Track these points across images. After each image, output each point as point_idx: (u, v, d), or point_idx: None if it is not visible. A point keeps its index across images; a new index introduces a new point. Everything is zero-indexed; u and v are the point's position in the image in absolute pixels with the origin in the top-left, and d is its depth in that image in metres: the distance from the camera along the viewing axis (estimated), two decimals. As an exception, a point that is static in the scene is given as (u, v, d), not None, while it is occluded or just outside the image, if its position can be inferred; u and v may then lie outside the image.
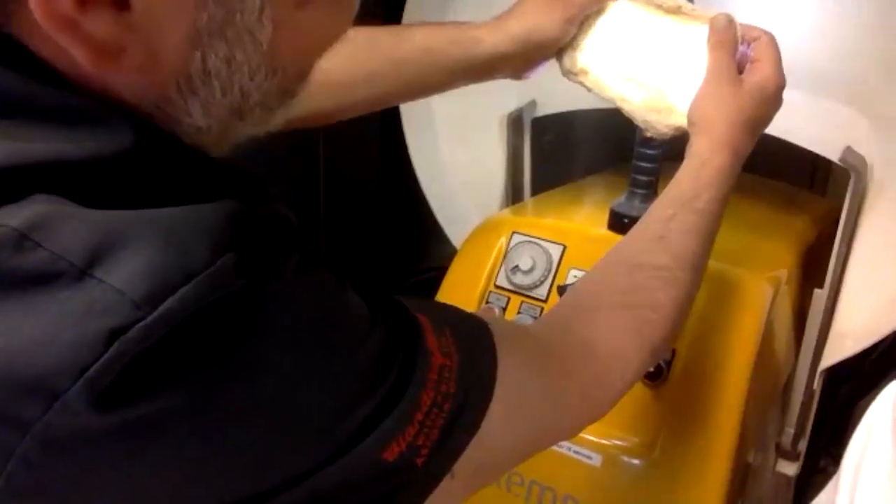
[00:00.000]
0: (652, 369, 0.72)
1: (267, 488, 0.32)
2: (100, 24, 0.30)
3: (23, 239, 0.28)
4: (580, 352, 0.49)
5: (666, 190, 0.57)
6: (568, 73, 0.64)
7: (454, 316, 0.43)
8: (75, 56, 0.30)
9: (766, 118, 0.59)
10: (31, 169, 0.29)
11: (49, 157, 0.30)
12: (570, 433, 0.51)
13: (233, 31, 0.32)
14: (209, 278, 0.29)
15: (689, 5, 0.62)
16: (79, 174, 0.30)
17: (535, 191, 1.03)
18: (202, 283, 0.29)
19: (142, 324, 0.28)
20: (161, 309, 0.28)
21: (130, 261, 0.28)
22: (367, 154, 1.23)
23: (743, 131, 0.57)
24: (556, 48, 0.64)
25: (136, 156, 0.31)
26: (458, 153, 1.02)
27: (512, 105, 0.97)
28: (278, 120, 0.38)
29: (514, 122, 0.97)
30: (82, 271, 0.28)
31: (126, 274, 0.28)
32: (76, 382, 0.27)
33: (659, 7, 0.62)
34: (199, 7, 0.31)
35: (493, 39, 0.63)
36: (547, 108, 0.97)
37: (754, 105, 0.57)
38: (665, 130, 0.61)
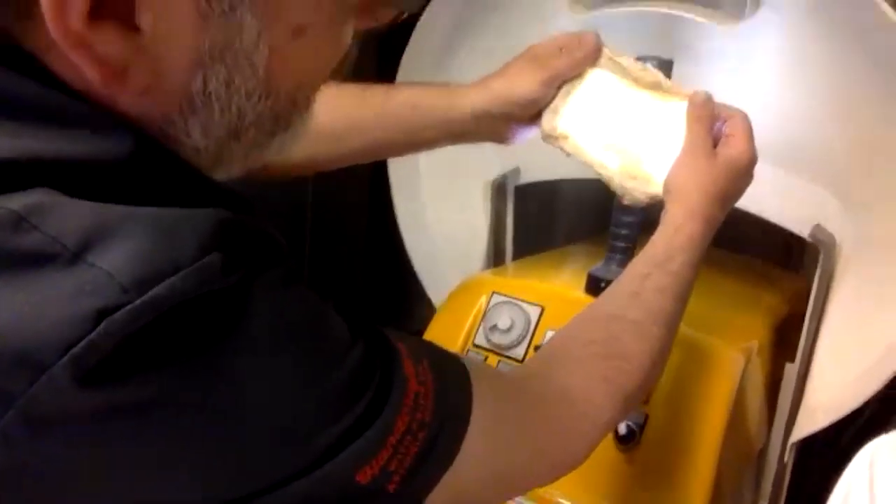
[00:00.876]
0: (625, 432, 0.72)
1: (239, 494, 0.33)
2: (109, 43, 0.32)
3: (21, 221, 0.29)
4: (555, 397, 0.50)
5: (641, 253, 0.59)
6: (548, 137, 0.67)
7: (432, 349, 0.44)
8: (86, 73, 0.32)
9: (738, 191, 0.62)
10: (34, 164, 0.31)
11: (51, 154, 0.31)
12: (546, 478, 0.51)
13: (232, 56, 0.34)
14: (197, 272, 0.30)
15: (668, 82, 0.65)
16: (79, 174, 0.32)
17: (517, 256, 1.05)
18: (190, 275, 0.30)
19: (129, 307, 0.29)
20: (148, 295, 0.29)
21: (121, 248, 0.30)
22: (355, 213, 1.25)
23: (715, 202, 0.60)
24: (535, 109, 0.66)
25: (135, 163, 0.33)
26: (443, 216, 1.04)
27: (496, 171, 1.00)
28: (273, 151, 0.40)
29: (498, 189, 1.00)
30: (75, 255, 0.29)
31: (116, 260, 0.29)
32: (62, 358, 0.28)
33: (637, 81, 0.66)
34: (202, 32, 0.33)
35: (476, 96, 0.66)
36: (530, 175, 1.00)
37: (727, 178, 0.60)
38: (641, 198, 0.64)
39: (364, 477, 0.36)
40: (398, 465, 0.37)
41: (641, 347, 0.54)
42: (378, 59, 1.09)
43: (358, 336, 0.38)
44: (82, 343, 0.28)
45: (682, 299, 0.58)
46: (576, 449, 0.51)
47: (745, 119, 0.62)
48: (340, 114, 0.65)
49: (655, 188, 0.63)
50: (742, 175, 0.61)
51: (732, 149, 0.61)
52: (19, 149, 0.31)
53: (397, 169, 1.01)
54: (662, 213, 0.61)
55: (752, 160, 0.61)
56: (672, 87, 0.65)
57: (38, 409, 0.29)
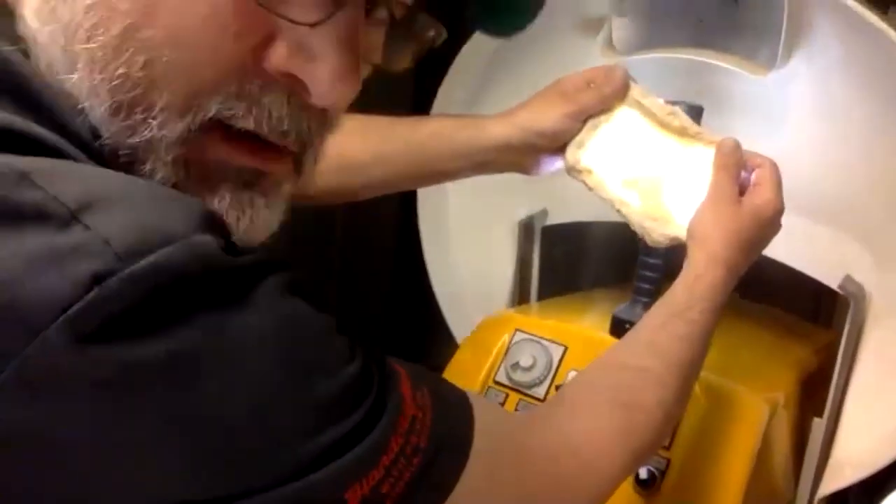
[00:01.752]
0: (645, 476, 0.71)
1: (219, 493, 0.32)
2: None
3: (23, 177, 0.30)
4: (560, 443, 0.49)
5: (661, 299, 0.59)
6: (571, 170, 0.67)
7: (435, 379, 0.43)
8: None
9: (763, 240, 0.62)
10: (47, 145, 0.32)
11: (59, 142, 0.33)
12: None
13: None
14: (190, 246, 0.31)
15: (695, 127, 0.66)
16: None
17: (542, 298, 1.05)
18: (183, 248, 0.31)
19: (123, 273, 0.29)
20: (141, 263, 0.30)
21: (118, 215, 0.30)
22: (381, 250, 1.26)
23: (739, 250, 0.59)
24: (559, 141, 0.67)
25: None
26: (470, 255, 1.05)
27: (524, 212, 1.00)
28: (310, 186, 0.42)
29: (525, 229, 1.01)
30: (73, 215, 0.30)
31: (112, 225, 0.30)
32: (56, 320, 0.28)
33: (663, 124, 0.66)
34: None
35: (499, 127, 0.67)
36: (558, 217, 1.00)
37: (751, 226, 0.60)
38: (660, 239, 0.63)
39: (354, 496, 0.35)
40: (390, 488, 0.36)
41: (655, 398, 0.53)
42: (414, 96, 1.11)
43: (357, 354, 0.37)
44: (76, 306, 0.29)
45: (700, 348, 0.57)
46: (580, 499, 0.49)
47: (774, 168, 0.62)
48: (368, 145, 0.66)
49: (675, 230, 0.63)
50: (767, 224, 0.61)
51: (758, 198, 0.61)
52: (34, 129, 0.32)
53: (426, 207, 1.02)
54: (686, 259, 0.61)
55: (779, 210, 0.61)
56: (698, 133, 0.65)
57: (32, 371, 0.29)
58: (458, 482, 0.40)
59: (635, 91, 0.67)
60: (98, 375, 0.30)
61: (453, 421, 0.41)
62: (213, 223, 0.34)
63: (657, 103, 0.66)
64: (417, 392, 0.39)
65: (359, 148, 0.66)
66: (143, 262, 0.30)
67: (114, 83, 0.34)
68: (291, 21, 0.35)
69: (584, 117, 0.67)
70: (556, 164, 0.69)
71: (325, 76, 0.36)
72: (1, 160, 0.30)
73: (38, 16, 0.35)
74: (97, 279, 0.29)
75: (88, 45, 0.34)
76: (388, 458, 0.36)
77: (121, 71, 0.34)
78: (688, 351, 0.56)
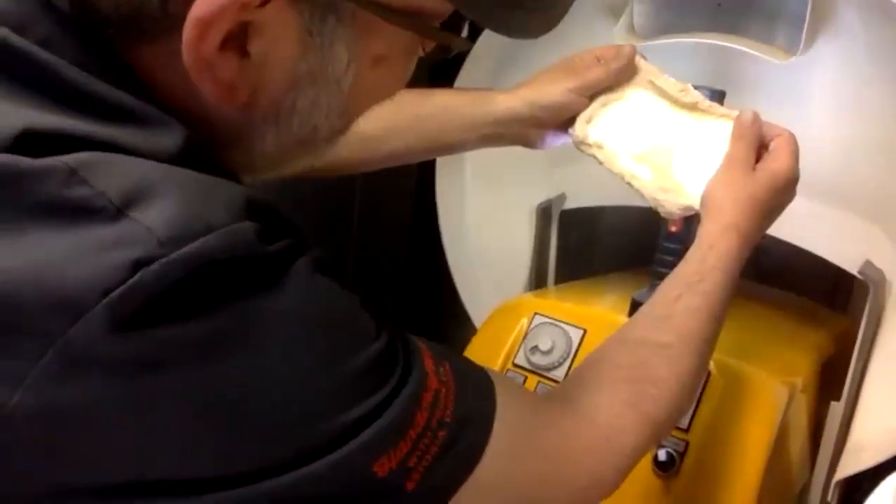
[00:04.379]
0: (664, 458, 0.72)
1: (251, 468, 0.34)
2: (227, 67, 0.36)
3: (73, 174, 0.32)
4: (580, 419, 0.50)
5: (673, 272, 0.58)
6: (580, 144, 0.68)
7: (456, 357, 0.44)
8: (207, 91, 0.36)
9: (778, 206, 0.61)
10: (92, 141, 0.34)
11: (106, 136, 0.34)
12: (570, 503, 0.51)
13: (323, 80, 0.39)
14: (228, 234, 0.33)
15: (706, 102, 0.66)
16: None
17: (559, 282, 1.05)
18: (222, 236, 0.33)
19: (164, 259, 0.31)
20: (182, 250, 0.32)
21: (161, 206, 0.32)
22: (398, 232, 1.27)
23: (752, 216, 0.58)
24: (564, 116, 0.68)
25: (179, 158, 0.35)
26: (488, 239, 1.05)
27: (542, 196, 1.01)
28: (323, 156, 0.44)
29: (543, 213, 1.01)
30: (119, 209, 0.32)
31: (156, 216, 0.32)
32: (99, 302, 0.30)
33: (676, 102, 0.66)
34: (301, 59, 0.38)
35: (506, 100, 0.68)
36: (576, 201, 1.00)
37: (766, 191, 0.59)
38: (673, 209, 0.63)
39: (382, 469, 0.36)
40: (417, 461, 0.38)
41: (670, 372, 0.53)
42: (429, 80, 1.12)
43: (382, 330, 0.39)
44: (119, 290, 0.30)
45: (715, 319, 0.56)
46: (600, 473, 0.50)
47: (792, 138, 0.61)
48: (378, 118, 0.67)
49: (687, 199, 0.63)
50: (782, 190, 0.60)
51: (773, 162, 0.60)
52: (80, 128, 0.34)
53: (444, 191, 1.02)
54: (698, 229, 0.60)
55: (795, 176, 0.60)
56: (710, 107, 0.66)
57: (75, 351, 0.31)
58: (483, 455, 0.41)
59: (647, 71, 0.67)
60: (138, 355, 0.31)
61: (476, 396, 0.42)
62: (254, 208, 0.35)
63: (669, 81, 0.67)
64: (440, 367, 0.41)
65: (369, 122, 0.67)
66: (184, 250, 0.32)
67: None
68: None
69: (590, 93, 0.67)
70: (562, 138, 0.70)
71: None
72: (52, 158, 0.32)
73: None
74: (139, 265, 0.31)
75: None
76: (415, 432, 0.38)
77: None
78: (703, 323, 0.55)
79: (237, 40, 0.36)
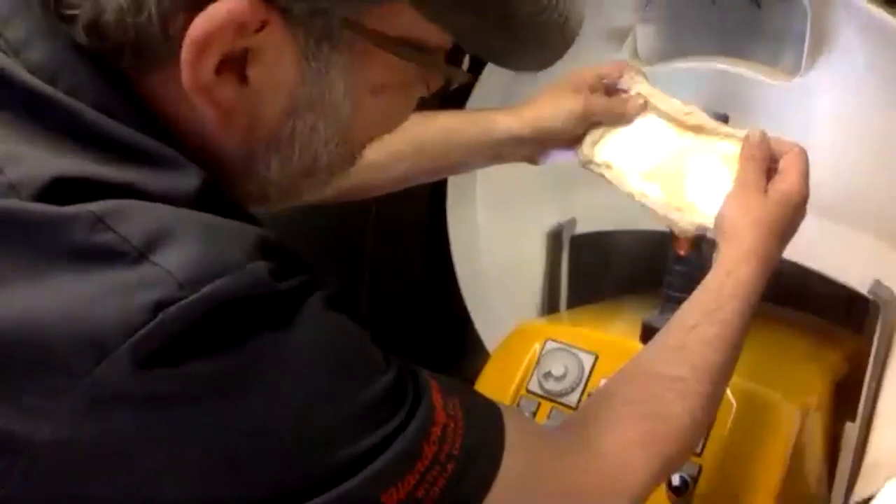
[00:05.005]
0: (678, 483, 0.72)
1: (264, 496, 0.35)
2: (225, 91, 0.37)
3: (98, 221, 0.34)
4: (591, 454, 0.50)
5: (690, 298, 0.58)
6: (587, 164, 0.69)
7: (465, 391, 0.45)
8: (204, 114, 0.37)
9: (793, 227, 0.61)
10: (117, 186, 0.35)
11: (129, 181, 0.36)
12: None
13: (321, 107, 0.40)
14: (243, 275, 0.34)
15: (712, 122, 0.67)
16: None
17: (571, 306, 1.06)
18: (237, 276, 0.34)
19: (184, 301, 0.33)
20: (200, 292, 0.33)
21: (180, 250, 0.34)
22: (412, 258, 1.28)
23: (770, 239, 0.58)
24: (567, 137, 0.69)
25: (198, 200, 0.37)
26: (499, 264, 1.06)
27: (553, 221, 1.02)
28: (333, 186, 0.46)
29: (554, 238, 1.02)
30: (141, 254, 0.34)
31: (175, 260, 0.34)
32: (123, 343, 0.32)
33: (682, 125, 0.67)
34: (299, 85, 0.39)
35: (508, 121, 0.69)
36: (586, 226, 1.01)
37: (780, 212, 0.59)
38: (688, 227, 0.64)
39: (390, 500, 0.37)
40: (425, 494, 0.38)
41: (683, 407, 0.53)
42: (440, 105, 1.13)
43: (392, 363, 0.40)
44: (142, 331, 0.32)
45: (732, 348, 0.56)
46: None
47: (802, 154, 0.62)
48: (381, 143, 0.68)
49: (700, 218, 0.64)
50: (795, 210, 0.60)
51: (784, 183, 0.60)
52: (105, 174, 0.35)
53: (455, 216, 1.04)
54: (715, 254, 0.60)
55: (805, 196, 0.60)
56: (716, 128, 0.66)
57: (101, 389, 0.32)
58: (491, 489, 0.41)
59: (651, 95, 0.68)
60: (160, 391, 0.33)
61: (484, 431, 0.43)
62: (267, 248, 0.37)
63: (674, 104, 0.68)
64: (449, 401, 0.41)
65: (374, 148, 0.68)
66: (202, 291, 0.33)
67: None
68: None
69: (592, 119, 0.68)
70: (565, 155, 0.71)
71: None
72: (78, 206, 0.34)
73: None
74: (160, 306, 0.32)
75: None
76: (423, 464, 0.38)
77: None
78: (718, 355, 0.55)
79: (236, 66, 0.37)
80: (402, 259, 1.26)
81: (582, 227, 1.02)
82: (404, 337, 1.26)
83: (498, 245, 1.05)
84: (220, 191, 0.39)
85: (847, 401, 0.86)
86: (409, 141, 0.70)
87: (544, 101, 0.69)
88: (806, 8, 0.74)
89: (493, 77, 0.92)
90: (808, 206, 0.62)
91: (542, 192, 1.00)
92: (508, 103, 0.93)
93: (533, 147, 0.70)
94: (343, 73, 0.39)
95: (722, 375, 0.56)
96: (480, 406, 0.45)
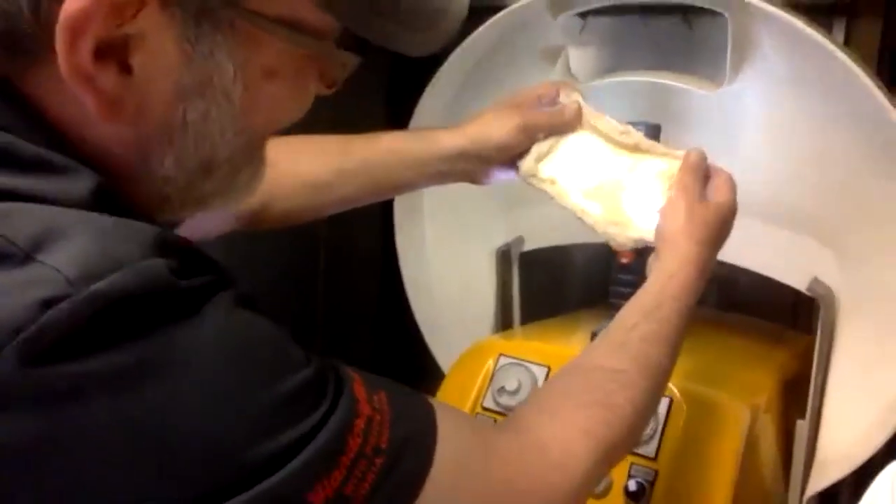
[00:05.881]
0: (635, 489, 0.72)
1: (180, 497, 0.34)
2: (108, 79, 0.37)
3: None
4: (530, 443, 0.49)
5: (631, 301, 0.60)
6: (529, 178, 0.70)
7: (393, 386, 0.44)
8: (87, 104, 0.37)
9: (724, 237, 0.64)
10: (3, 193, 0.35)
11: (15, 187, 0.35)
12: None
13: (210, 90, 0.39)
14: (138, 271, 0.34)
15: (647, 142, 0.69)
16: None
17: (525, 322, 1.06)
18: (132, 272, 0.34)
19: (73, 298, 0.32)
20: (91, 288, 0.32)
21: (68, 248, 0.33)
22: (365, 281, 1.28)
23: (708, 248, 0.61)
24: (508, 154, 0.70)
25: (91, 204, 0.36)
26: (450, 284, 1.07)
27: (500, 239, 1.03)
28: (239, 194, 0.44)
29: (503, 257, 1.03)
30: (27, 255, 0.33)
31: (63, 258, 0.33)
32: (11, 341, 0.31)
33: (618, 143, 0.70)
34: (184, 69, 0.38)
35: (451, 139, 0.70)
36: (534, 242, 1.03)
37: (717, 223, 0.62)
38: (625, 241, 0.66)
39: (317, 498, 0.36)
40: (354, 489, 0.37)
41: (625, 397, 0.53)
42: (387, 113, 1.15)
43: (311, 360, 0.39)
44: (30, 328, 0.31)
45: (671, 346, 0.58)
46: (553, 500, 0.49)
47: (730, 178, 0.65)
48: (329, 165, 0.70)
49: (637, 232, 0.66)
50: (729, 222, 0.64)
51: (721, 196, 0.64)
52: None
53: (403, 238, 1.04)
54: (653, 257, 0.63)
55: (735, 210, 0.64)
56: (651, 146, 0.69)
57: None
58: (425, 483, 0.41)
59: (589, 115, 0.71)
60: (49, 391, 0.32)
61: (414, 422, 0.42)
62: (168, 246, 0.36)
63: (610, 124, 0.70)
64: (373, 395, 0.41)
65: (320, 169, 0.69)
66: (94, 287, 0.33)
67: None
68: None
69: (534, 134, 0.70)
70: (508, 174, 0.72)
71: None
72: None
73: None
74: (48, 304, 0.32)
75: None
76: (348, 458, 0.37)
77: None
78: (658, 351, 0.56)
79: (118, 54, 0.36)
80: (355, 284, 1.26)
81: (530, 244, 1.03)
82: (360, 359, 1.26)
83: (449, 267, 1.06)
84: (119, 195, 0.38)
85: (799, 399, 0.87)
86: (354, 161, 0.71)
87: (486, 118, 0.71)
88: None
89: (434, 98, 0.94)
90: (744, 210, 0.65)
91: (489, 212, 1.01)
92: (451, 123, 0.95)
93: (476, 164, 0.71)
94: (230, 56, 0.39)
95: (662, 371, 0.57)
96: (409, 400, 0.44)
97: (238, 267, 0.41)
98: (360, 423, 0.39)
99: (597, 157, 0.70)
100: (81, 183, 0.37)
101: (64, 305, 0.32)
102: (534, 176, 0.70)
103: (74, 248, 0.34)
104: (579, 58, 0.91)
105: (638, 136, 0.70)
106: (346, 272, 1.23)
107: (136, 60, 0.37)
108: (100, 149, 0.39)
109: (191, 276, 0.36)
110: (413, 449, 0.41)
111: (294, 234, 0.88)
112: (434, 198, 1.01)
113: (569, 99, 0.72)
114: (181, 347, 0.35)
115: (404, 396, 0.44)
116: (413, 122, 0.94)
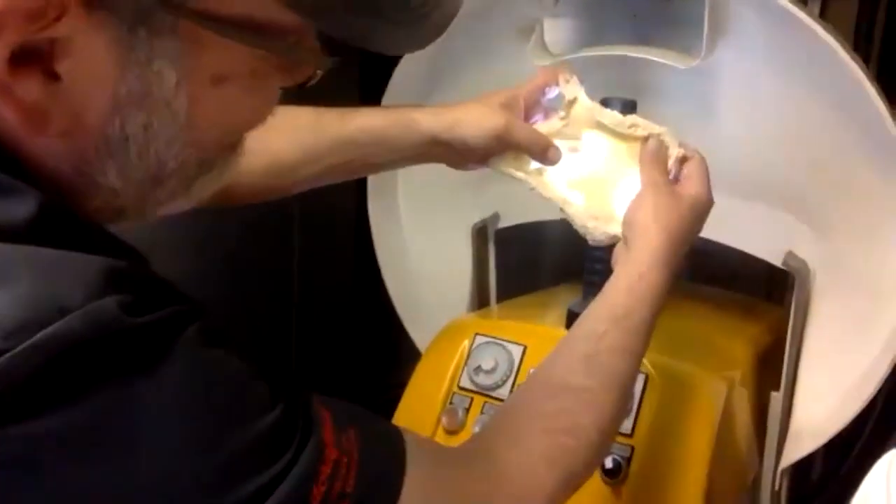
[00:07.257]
0: (611, 466, 0.72)
1: None
2: (30, 89, 0.33)
3: None
4: (496, 474, 0.49)
5: (602, 297, 0.58)
6: (503, 170, 0.68)
7: (365, 419, 0.42)
8: (7, 117, 0.34)
9: (696, 233, 0.62)
10: None
11: None
12: None
13: (150, 102, 0.36)
14: (86, 314, 0.31)
15: (635, 122, 0.67)
16: None
17: (502, 300, 1.06)
18: (78, 317, 0.30)
19: (10, 354, 0.29)
20: (31, 341, 0.29)
21: (5, 294, 0.30)
22: (341, 261, 1.27)
23: (678, 246, 0.59)
24: (479, 153, 0.67)
25: (35, 227, 0.33)
26: (426, 263, 1.06)
27: (476, 217, 1.02)
28: (201, 193, 0.41)
29: (479, 234, 1.02)
30: None
31: (1, 303, 0.30)
32: None
33: (615, 134, 0.67)
34: (119, 79, 0.35)
35: (430, 125, 0.67)
36: (509, 219, 1.02)
37: (689, 218, 0.60)
38: (601, 237, 0.65)
39: None
40: None
41: (591, 419, 0.53)
42: (360, 98, 1.12)
43: (278, 402, 0.37)
44: None
45: (638, 356, 0.57)
46: None
47: (703, 162, 0.63)
48: (298, 143, 0.66)
49: (615, 228, 0.64)
50: (701, 216, 0.62)
51: (692, 189, 0.61)
52: None
53: (378, 217, 1.03)
54: (619, 247, 0.61)
55: (709, 204, 0.62)
56: (639, 126, 0.66)
57: None
58: None
59: (592, 110, 0.68)
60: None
61: (383, 461, 0.41)
62: (118, 278, 0.33)
63: (615, 118, 0.67)
64: (343, 435, 0.39)
65: (289, 147, 0.66)
66: (34, 339, 0.30)
67: None
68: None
69: (509, 145, 0.66)
70: (481, 167, 0.70)
71: None
72: None
73: None
74: None
75: None
76: None
77: None
78: (626, 363, 0.55)
79: (41, 60, 0.33)
80: (331, 263, 1.24)
81: (505, 221, 1.02)
82: (336, 345, 1.25)
83: (424, 246, 1.05)
84: (67, 212, 0.35)
85: (773, 371, 0.88)
86: (325, 139, 0.68)
87: (469, 111, 0.67)
88: (705, -6, 0.75)
89: (408, 70, 0.92)
90: (719, 185, 0.63)
91: (464, 190, 1.00)
92: (427, 98, 0.94)
93: (450, 151, 0.68)
94: (172, 63, 0.35)
95: (628, 382, 0.57)
96: (379, 434, 0.43)
97: (210, 245, 0.38)
98: (325, 470, 0.37)
99: (592, 149, 0.68)
100: (24, 206, 0.33)
101: (1, 361, 0.29)
102: (511, 167, 0.68)
103: (9, 294, 0.30)
104: (554, 31, 0.89)
105: (647, 127, 0.66)
106: (321, 250, 1.21)
107: (63, 67, 0.33)
108: (42, 164, 0.36)
109: (149, 311, 0.33)
110: (381, 487, 0.40)
111: (268, 212, 0.86)
112: (407, 174, 1.00)
113: (567, 86, 0.69)
114: (136, 403, 0.32)
115: (375, 430, 0.42)
116: (387, 96, 0.92)
